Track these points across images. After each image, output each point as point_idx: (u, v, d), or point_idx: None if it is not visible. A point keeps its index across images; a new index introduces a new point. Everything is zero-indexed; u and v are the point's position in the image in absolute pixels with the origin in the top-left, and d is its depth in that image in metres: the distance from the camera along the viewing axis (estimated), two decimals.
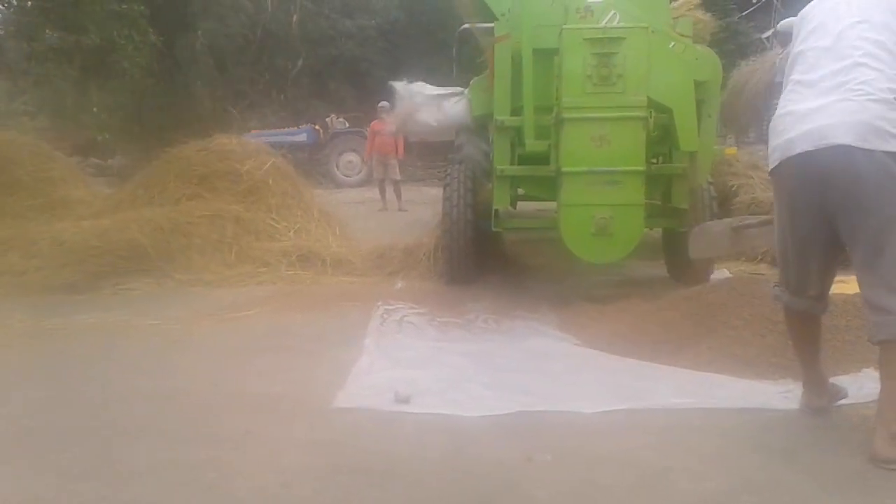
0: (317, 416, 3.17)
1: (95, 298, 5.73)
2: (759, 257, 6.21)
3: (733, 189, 7.13)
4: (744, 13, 21.90)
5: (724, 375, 3.60)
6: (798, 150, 2.74)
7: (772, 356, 3.69)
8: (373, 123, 13.03)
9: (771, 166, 2.94)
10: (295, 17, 20.23)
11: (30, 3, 14.86)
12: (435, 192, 10.44)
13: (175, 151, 7.71)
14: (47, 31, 14.72)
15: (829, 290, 3.01)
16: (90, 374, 3.85)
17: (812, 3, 3.04)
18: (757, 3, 23.65)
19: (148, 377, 3.77)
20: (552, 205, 5.86)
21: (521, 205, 7.17)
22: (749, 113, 10.05)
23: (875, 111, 2.62)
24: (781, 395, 3.34)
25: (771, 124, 2.98)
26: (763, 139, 11.37)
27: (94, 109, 17.72)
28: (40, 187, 7.70)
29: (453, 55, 10.23)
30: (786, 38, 7.15)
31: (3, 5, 15.73)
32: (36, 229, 6.57)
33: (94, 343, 4.47)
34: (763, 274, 5.72)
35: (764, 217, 3.96)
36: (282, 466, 2.64)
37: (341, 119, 19.55)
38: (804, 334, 3.10)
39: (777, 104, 3.01)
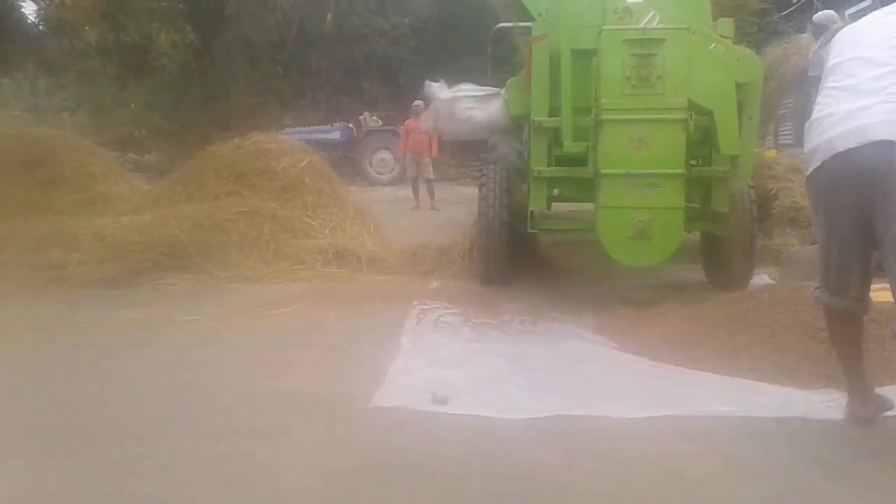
0: (355, 414, 3.19)
1: (135, 293, 5.82)
2: None
3: (773, 192, 7.02)
4: (783, 13, 21.55)
5: (764, 383, 3.56)
6: (840, 149, 2.76)
7: (814, 364, 3.64)
8: (406, 122, 13.05)
9: (812, 168, 2.93)
10: (329, 16, 20.31)
11: (70, 0, 15.12)
12: (468, 192, 10.45)
13: (212, 149, 7.80)
14: (87, 27, 14.97)
15: (868, 291, 2.99)
16: (131, 369, 3.92)
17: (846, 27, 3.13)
18: (797, 3, 23.23)
19: (187, 372, 3.83)
20: (586, 205, 5.84)
21: (554, 205, 7.14)
22: (782, 102, 9.81)
23: None
24: (825, 404, 3.30)
25: (806, 127, 2.98)
26: (802, 141, 11.21)
27: (132, 106, 17.99)
28: (82, 183, 7.83)
29: (488, 54, 10.22)
30: (821, 31, 7.04)
31: (44, 2, 16.02)
32: (77, 224, 6.69)
33: (135, 337, 4.54)
34: (805, 283, 5.62)
35: None
36: (320, 464, 2.66)
37: (374, 117, 19.61)
38: (846, 337, 3.06)
39: (814, 97, 3.03)
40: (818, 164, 2.87)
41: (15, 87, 18.69)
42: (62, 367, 4.00)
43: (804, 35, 8.99)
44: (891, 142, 2.64)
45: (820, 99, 2.98)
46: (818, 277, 3.09)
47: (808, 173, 3.01)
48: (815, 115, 2.95)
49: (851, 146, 2.72)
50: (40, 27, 16.18)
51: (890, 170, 2.64)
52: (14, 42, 13.37)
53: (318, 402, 3.35)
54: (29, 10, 16.21)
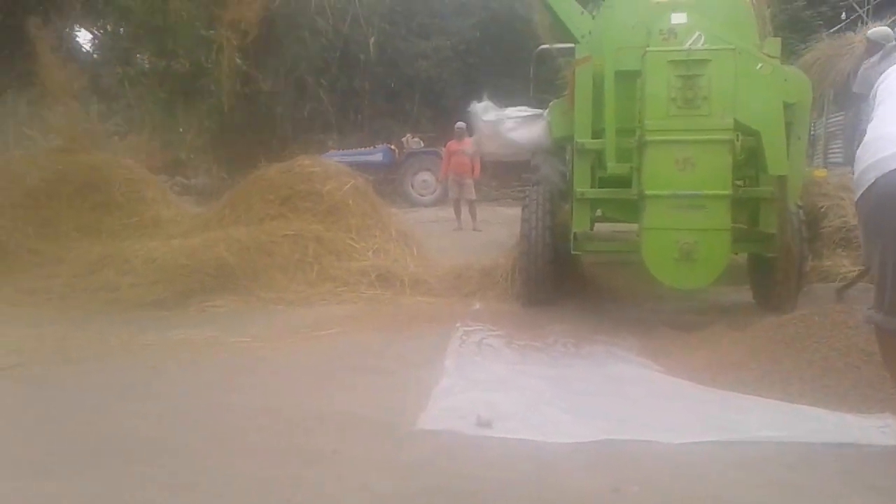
0: (401, 436, 3.20)
1: (184, 315, 5.94)
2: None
3: (823, 211, 6.89)
4: (832, 30, 21.22)
5: (816, 408, 3.48)
6: (889, 169, 2.75)
7: (868, 388, 3.55)
8: (449, 143, 13.13)
9: (865, 186, 2.90)
10: (372, 40, 20.61)
11: (122, 29, 15.63)
12: (509, 213, 10.46)
13: (258, 172, 7.95)
14: (139, 55, 15.44)
15: None
16: (182, 390, 3.99)
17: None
18: (846, 19, 22.89)
19: (237, 393, 3.89)
20: (629, 226, 5.80)
21: (596, 226, 7.10)
22: (831, 101, 9.56)
23: None
24: (879, 429, 3.21)
25: (858, 151, 2.94)
26: (852, 160, 10.98)
27: (181, 130, 18.45)
28: (133, 206, 8.05)
29: (530, 76, 10.27)
30: (875, 48, 6.91)
31: (99, 31, 16.56)
32: (130, 247, 6.86)
33: (185, 359, 4.62)
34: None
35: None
36: (368, 486, 2.68)
37: (416, 138, 19.79)
38: None
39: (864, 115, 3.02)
40: (868, 185, 2.83)
41: (68, 113, 19.29)
42: (115, 388, 4.08)
43: (856, 35, 8.73)
44: None
45: (871, 126, 2.95)
46: (873, 296, 3.03)
47: (858, 196, 2.96)
48: (866, 138, 2.92)
49: None
50: (94, 55, 16.75)
51: None
52: (69, 70, 13.82)
53: (364, 423, 3.37)
54: (84, 38, 16.75)
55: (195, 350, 4.84)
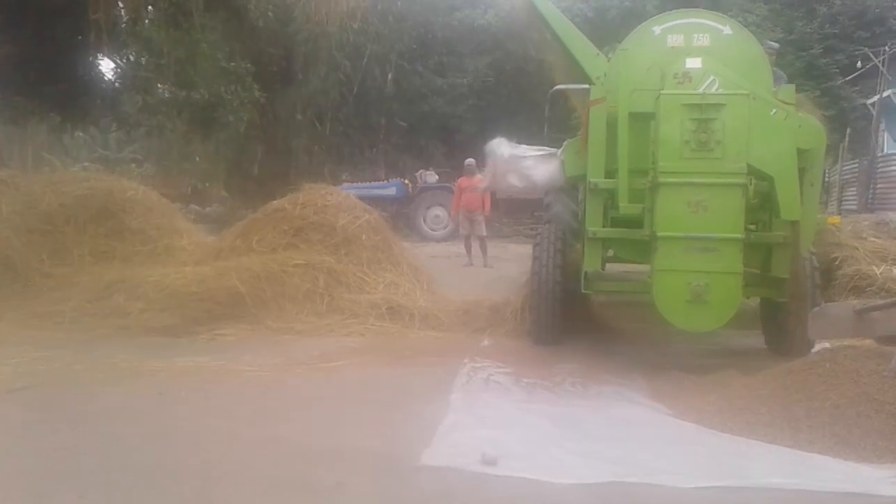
0: (405, 472, 3.18)
1: (193, 342, 5.94)
2: None
3: (836, 262, 6.83)
4: (847, 77, 21.34)
5: (825, 456, 3.44)
6: None
7: (879, 439, 3.51)
8: (460, 180, 13.21)
9: None
10: (390, 76, 20.91)
11: (144, 59, 15.94)
12: (520, 250, 10.47)
13: (273, 203, 8.01)
14: (160, 85, 15.72)
15: None
16: (189, 417, 3.99)
17: None
18: (861, 68, 23.03)
19: (243, 423, 3.88)
20: (640, 266, 5.79)
21: (608, 266, 7.09)
22: (846, 148, 9.53)
23: None
24: (889, 480, 3.16)
25: None
26: (868, 208, 10.98)
27: (197, 159, 18.68)
28: (147, 233, 8.10)
29: (545, 115, 10.34)
30: None
31: (121, 61, 16.90)
32: (141, 273, 6.89)
33: (193, 386, 4.62)
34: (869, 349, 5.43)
35: (892, 300, 3.80)
36: None
37: (430, 170, 19.96)
38: None
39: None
40: None
41: (88, 139, 19.61)
42: (121, 413, 4.09)
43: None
44: None
45: None
46: None
47: None
48: None
49: None
50: (116, 84, 17.06)
51: None
52: (91, 98, 14.10)
53: (368, 457, 3.35)
54: (106, 67, 17.10)
55: (203, 377, 4.85)
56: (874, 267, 6.40)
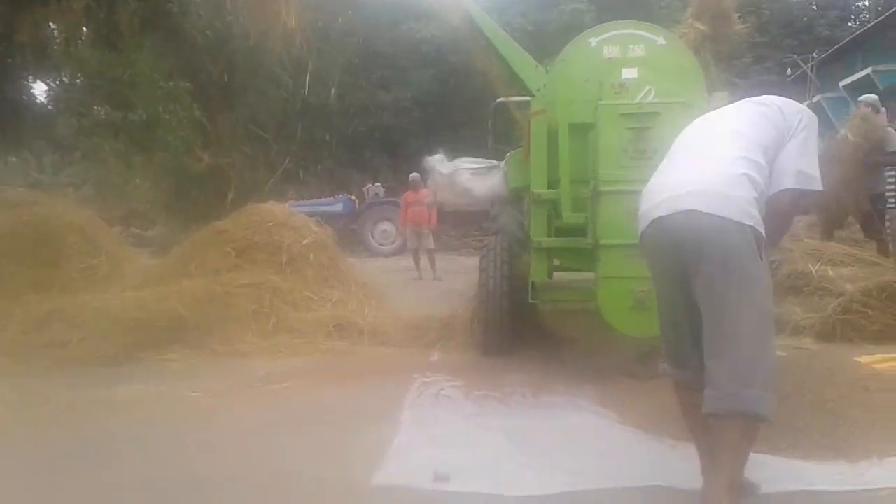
0: (357, 495, 3.14)
1: (135, 370, 5.77)
2: (803, 330, 6.06)
3: (774, 264, 6.99)
4: (779, 84, 22.02)
5: (770, 455, 3.49)
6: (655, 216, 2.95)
7: (820, 437, 3.58)
8: (405, 194, 13.23)
9: (639, 234, 3.08)
10: (333, 91, 20.81)
11: (79, 80, 15.54)
12: (469, 262, 10.48)
13: (215, 224, 7.87)
14: (95, 106, 15.33)
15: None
16: (129, 453, 3.87)
17: None
18: (791, 75, 23.78)
19: (187, 455, 3.78)
20: (588, 275, 5.84)
21: (557, 275, 7.14)
22: None
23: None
24: (834, 476, 3.24)
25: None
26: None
27: (137, 181, 18.26)
28: (87, 260, 7.87)
29: (489, 127, 10.42)
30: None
31: (55, 83, 16.45)
32: (81, 300, 6.69)
33: (136, 416, 4.49)
34: (808, 348, 5.58)
35: None
36: None
37: (377, 184, 19.90)
38: (692, 409, 2.98)
39: None
40: (640, 232, 3.04)
41: (22, 164, 19.05)
42: (56, 453, 3.93)
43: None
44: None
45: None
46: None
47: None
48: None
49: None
50: (49, 107, 16.59)
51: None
52: (24, 121, 13.68)
53: (319, 482, 3.30)
54: (39, 90, 16.64)
55: (147, 406, 4.71)
56: (810, 266, 6.58)
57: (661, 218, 2.84)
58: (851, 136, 8.46)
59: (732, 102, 3.29)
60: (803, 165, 2.87)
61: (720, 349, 2.69)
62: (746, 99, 3.15)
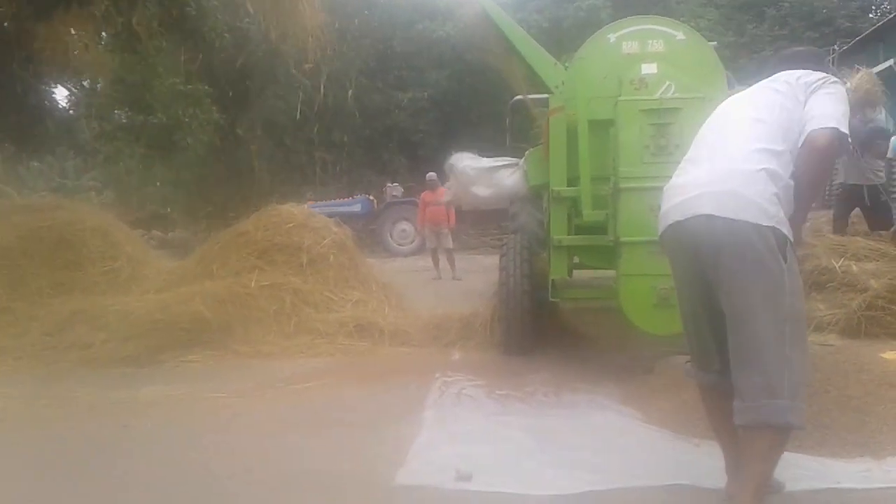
0: (380, 494, 3.14)
1: (158, 371, 5.82)
2: (827, 326, 5.98)
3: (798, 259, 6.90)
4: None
5: (796, 454, 3.44)
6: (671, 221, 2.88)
7: (845, 433, 3.54)
8: (423, 194, 13.22)
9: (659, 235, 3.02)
10: (350, 92, 20.85)
11: (99, 85, 15.71)
12: (488, 261, 10.47)
13: (236, 225, 7.91)
14: (116, 110, 15.49)
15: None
16: (155, 451, 3.89)
17: None
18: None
19: (211, 453, 3.80)
20: (609, 272, 5.81)
21: (577, 272, 7.11)
22: None
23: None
24: (860, 473, 3.20)
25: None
26: (826, 205, 11.18)
27: (158, 184, 18.43)
28: (109, 262, 7.93)
29: (506, 125, 10.40)
30: None
31: (75, 88, 16.64)
32: (103, 302, 6.75)
33: (158, 418, 4.52)
34: (833, 345, 5.50)
35: None
36: None
37: (395, 184, 19.92)
38: (716, 412, 2.94)
39: None
40: (660, 234, 2.99)
41: (45, 168, 19.25)
42: (83, 450, 3.98)
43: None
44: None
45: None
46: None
47: None
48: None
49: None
50: (71, 111, 16.77)
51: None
52: (46, 126, 13.83)
53: (342, 481, 3.30)
54: (60, 95, 16.82)
55: (168, 408, 4.74)
56: (833, 261, 6.49)
57: (678, 223, 2.75)
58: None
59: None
60: (839, 113, 2.69)
61: (745, 359, 2.60)
62: (761, 82, 3.01)
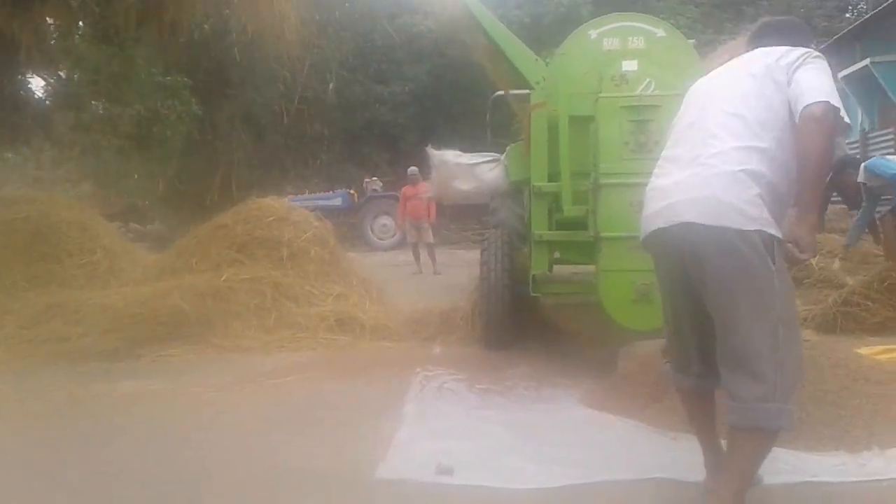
0: (359, 488, 3.14)
1: (136, 365, 5.77)
2: (804, 322, 6.06)
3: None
4: None
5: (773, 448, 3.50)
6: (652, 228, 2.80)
7: (820, 426, 3.58)
8: (404, 189, 13.21)
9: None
10: (331, 85, 20.76)
11: (77, 76, 15.50)
12: (469, 256, 10.48)
13: (217, 219, 7.86)
14: (93, 101, 15.29)
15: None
16: (132, 447, 3.86)
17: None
18: None
19: (190, 449, 3.76)
20: (589, 268, 5.84)
21: (558, 267, 7.13)
22: None
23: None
24: (836, 467, 3.24)
25: None
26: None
27: (136, 176, 18.23)
28: (86, 255, 7.86)
29: (487, 121, 10.41)
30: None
31: (52, 78, 16.39)
32: (80, 296, 6.69)
33: (135, 413, 4.48)
34: (808, 340, 5.57)
35: None
36: None
37: (375, 178, 19.88)
38: (696, 413, 2.96)
39: None
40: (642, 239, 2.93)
41: (20, 160, 18.97)
42: (58, 446, 3.94)
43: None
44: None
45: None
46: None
47: None
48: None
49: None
50: (47, 102, 16.53)
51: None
52: (21, 117, 13.64)
53: (323, 477, 3.29)
54: (36, 85, 16.57)
55: (146, 402, 4.70)
56: (811, 259, 6.57)
57: (662, 229, 2.70)
58: None
59: None
60: (827, 86, 2.57)
61: (735, 363, 2.57)
62: (738, 61, 2.91)
